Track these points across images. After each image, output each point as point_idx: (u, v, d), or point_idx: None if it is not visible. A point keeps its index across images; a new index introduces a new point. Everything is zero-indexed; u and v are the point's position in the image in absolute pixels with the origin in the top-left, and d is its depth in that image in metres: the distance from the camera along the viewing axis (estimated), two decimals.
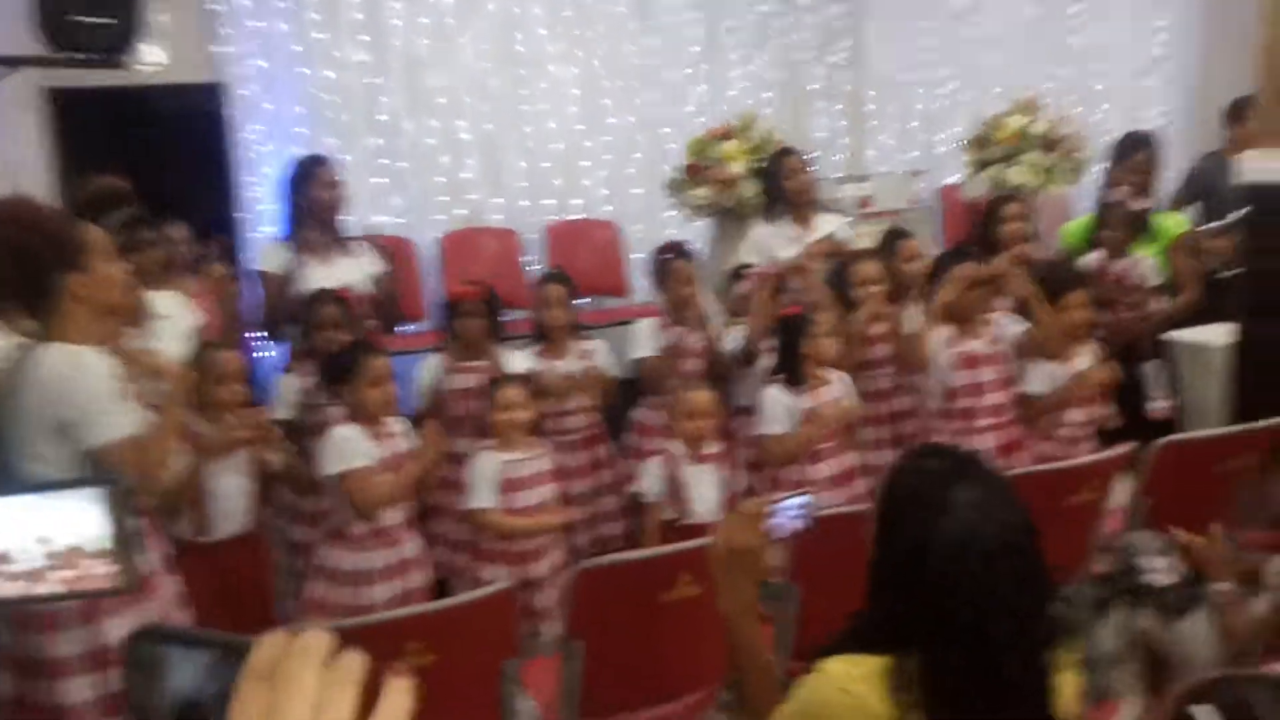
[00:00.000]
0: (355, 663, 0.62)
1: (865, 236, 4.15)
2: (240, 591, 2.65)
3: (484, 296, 3.34)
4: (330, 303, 3.19)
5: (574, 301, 3.51)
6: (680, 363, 3.49)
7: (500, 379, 3.03)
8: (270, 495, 2.96)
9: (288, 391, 3.18)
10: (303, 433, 3.01)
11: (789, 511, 1.74)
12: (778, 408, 3.12)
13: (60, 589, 1.32)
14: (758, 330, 3.40)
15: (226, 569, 2.61)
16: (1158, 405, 3.95)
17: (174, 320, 2.95)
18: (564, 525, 2.96)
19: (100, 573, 1.33)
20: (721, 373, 3.50)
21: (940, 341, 3.28)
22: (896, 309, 3.53)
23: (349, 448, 2.66)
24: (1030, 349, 3.38)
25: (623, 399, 3.61)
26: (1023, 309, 3.43)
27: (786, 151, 4.17)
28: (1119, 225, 3.95)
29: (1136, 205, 3.99)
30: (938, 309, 3.28)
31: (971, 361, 3.29)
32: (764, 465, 3.24)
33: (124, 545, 1.36)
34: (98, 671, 1.97)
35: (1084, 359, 3.27)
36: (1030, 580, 1.37)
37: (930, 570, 1.36)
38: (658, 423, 3.44)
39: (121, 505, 1.33)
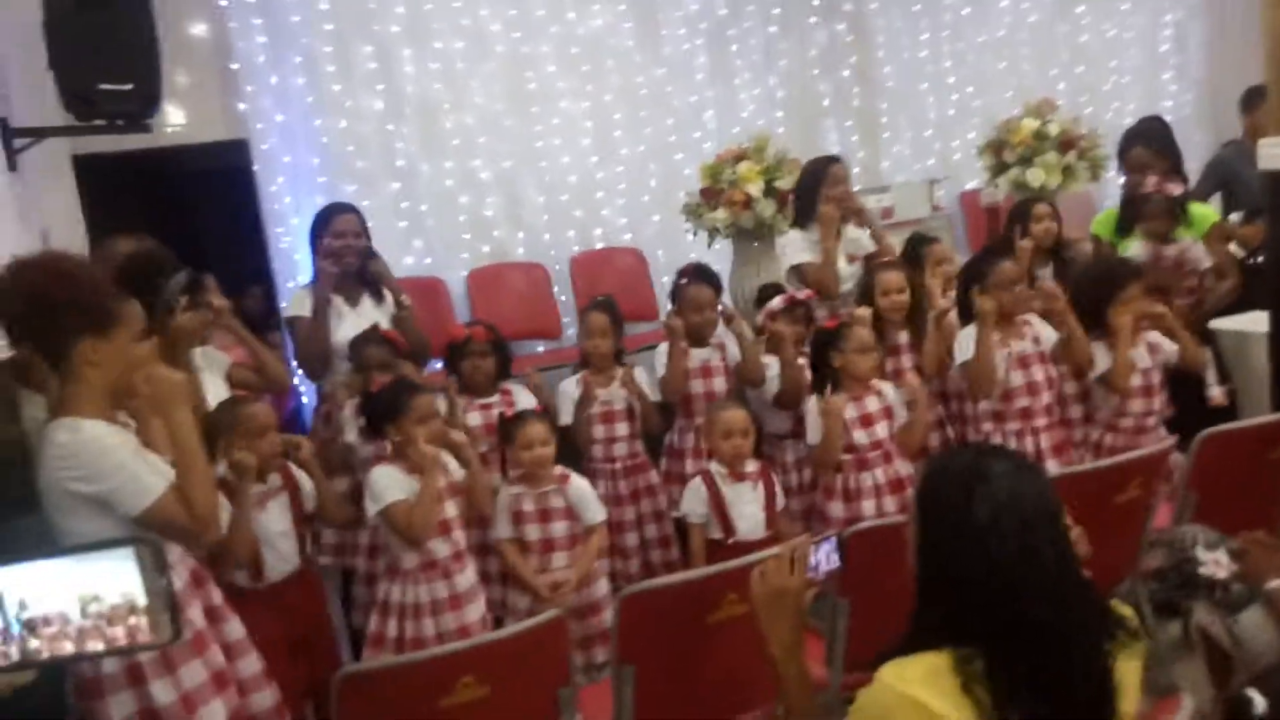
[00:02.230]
0: None
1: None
2: (303, 631, 2.68)
3: (490, 336, 3.35)
4: (374, 343, 3.24)
5: (619, 329, 3.50)
6: (708, 383, 3.49)
7: (519, 416, 3.04)
8: (316, 533, 3.00)
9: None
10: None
11: (822, 551, 1.76)
12: (816, 420, 3.13)
13: (104, 646, 1.36)
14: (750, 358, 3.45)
15: (286, 610, 2.64)
16: (1214, 392, 3.90)
17: (214, 370, 3.00)
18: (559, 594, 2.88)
19: (142, 628, 1.37)
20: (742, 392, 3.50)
21: (995, 341, 3.26)
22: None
23: (387, 484, 2.73)
24: (1060, 359, 3.37)
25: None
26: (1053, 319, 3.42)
27: (832, 159, 4.17)
28: (1157, 214, 3.91)
29: (1170, 191, 3.95)
30: (987, 311, 3.21)
31: (1025, 361, 3.32)
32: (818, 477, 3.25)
33: (158, 600, 1.40)
34: None
35: (1141, 350, 3.25)
36: (1067, 554, 1.42)
37: (972, 539, 1.40)
38: (689, 445, 3.46)
39: (150, 562, 1.37)
